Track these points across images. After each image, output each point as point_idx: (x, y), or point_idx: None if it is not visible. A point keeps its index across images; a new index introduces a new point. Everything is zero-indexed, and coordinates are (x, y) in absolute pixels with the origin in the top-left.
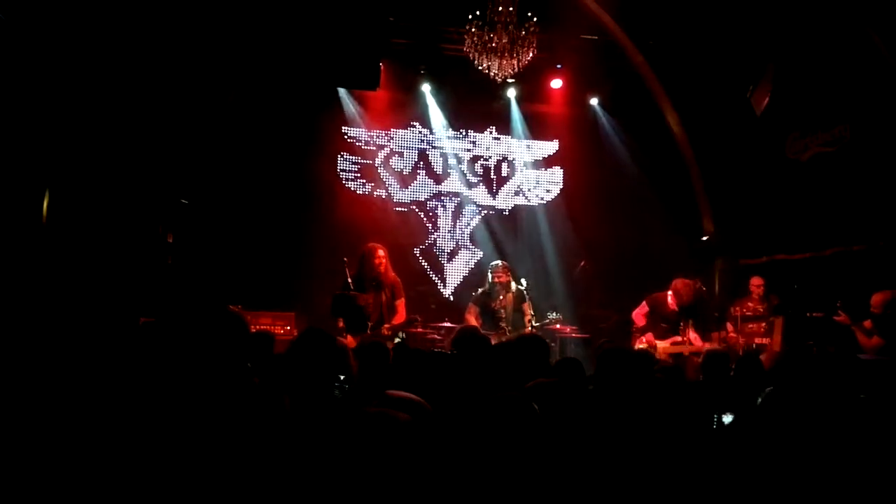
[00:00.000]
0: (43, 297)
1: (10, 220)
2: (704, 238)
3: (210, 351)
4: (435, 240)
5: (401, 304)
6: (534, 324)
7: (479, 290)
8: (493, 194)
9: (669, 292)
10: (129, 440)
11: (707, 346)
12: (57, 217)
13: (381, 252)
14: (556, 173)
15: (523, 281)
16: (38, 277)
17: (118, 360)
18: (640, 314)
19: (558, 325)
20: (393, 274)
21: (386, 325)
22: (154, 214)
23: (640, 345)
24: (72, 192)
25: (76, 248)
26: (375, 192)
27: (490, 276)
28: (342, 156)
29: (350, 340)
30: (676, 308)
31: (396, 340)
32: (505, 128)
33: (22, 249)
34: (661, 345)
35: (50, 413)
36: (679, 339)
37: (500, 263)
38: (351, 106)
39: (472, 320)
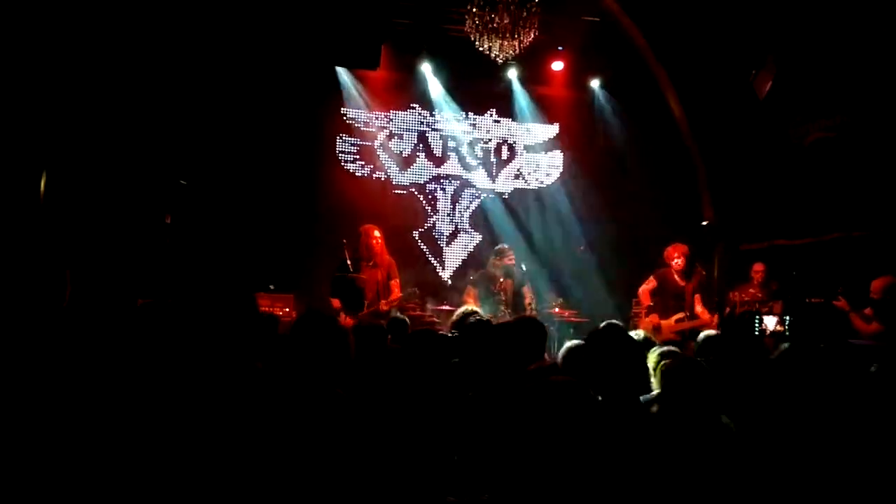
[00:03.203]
0: (40, 277)
1: (7, 200)
2: (704, 223)
3: (214, 333)
4: (434, 223)
5: (395, 284)
6: (534, 307)
7: (479, 272)
8: (493, 177)
9: (670, 261)
10: (129, 422)
11: (716, 318)
12: (55, 197)
13: (376, 233)
14: (557, 157)
15: (523, 265)
16: (35, 258)
17: (115, 340)
18: (646, 291)
19: (557, 309)
20: (388, 256)
21: (383, 301)
22: (152, 195)
23: (645, 327)
24: (70, 173)
25: (74, 228)
26: (374, 174)
27: (496, 258)
28: (341, 137)
29: (346, 320)
30: (682, 279)
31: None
32: (505, 110)
33: (19, 230)
34: (666, 323)
35: (47, 393)
36: (682, 314)
37: (508, 247)
38: (350, 86)
39: (471, 302)
